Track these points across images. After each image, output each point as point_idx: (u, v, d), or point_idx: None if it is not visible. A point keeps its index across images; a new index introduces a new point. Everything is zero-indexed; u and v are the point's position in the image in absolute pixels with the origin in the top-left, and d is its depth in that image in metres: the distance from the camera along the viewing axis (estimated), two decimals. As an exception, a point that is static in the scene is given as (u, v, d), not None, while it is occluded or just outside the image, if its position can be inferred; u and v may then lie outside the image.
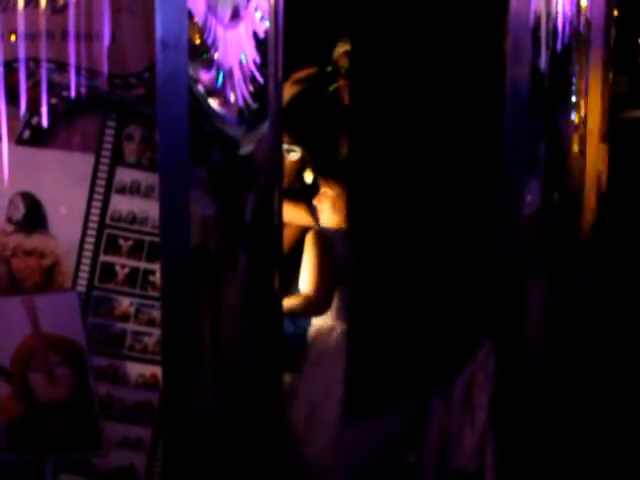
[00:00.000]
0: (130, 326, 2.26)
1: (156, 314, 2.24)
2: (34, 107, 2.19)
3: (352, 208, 3.07)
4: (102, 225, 2.24)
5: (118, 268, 2.26)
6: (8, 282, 2.24)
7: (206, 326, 2.33)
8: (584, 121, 3.72)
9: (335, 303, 3.38)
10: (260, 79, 2.41)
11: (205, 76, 2.25)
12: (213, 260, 2.36)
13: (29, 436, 2.28)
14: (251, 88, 2.38)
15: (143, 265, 2.25)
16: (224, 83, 2.29)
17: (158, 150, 2.09)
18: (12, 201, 2.23)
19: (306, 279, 3.38)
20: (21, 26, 2.16)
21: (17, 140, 2.22)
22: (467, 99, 2.91)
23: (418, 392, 2.89)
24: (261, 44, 2.40)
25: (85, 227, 2.24)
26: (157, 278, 2.23)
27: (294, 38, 2.62)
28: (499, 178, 2.63)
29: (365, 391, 2.93)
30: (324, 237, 3.40)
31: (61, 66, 2.18)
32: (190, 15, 2.10)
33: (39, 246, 2.24)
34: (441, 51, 2.86)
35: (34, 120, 2.21)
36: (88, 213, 2.24)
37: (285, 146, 3.26)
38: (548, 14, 3.14)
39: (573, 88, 3.65)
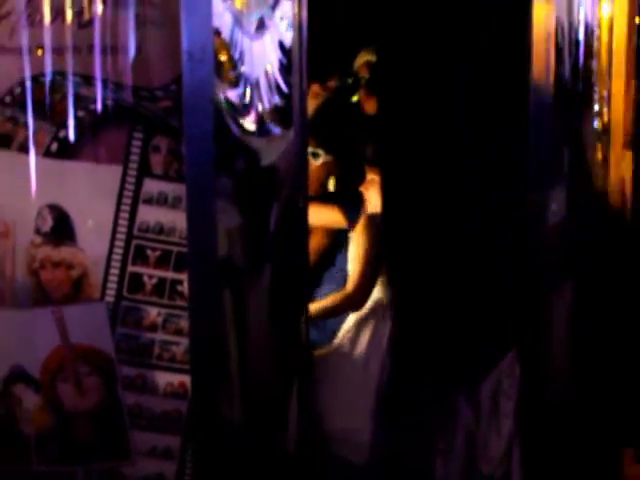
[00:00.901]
0: (158, 336, 2.27)
1: (184, 324, 2.25)
2: (61, 120, 2.21)
3: (385, 220, 3.09)
4: (130, 236, 2.26)
5: (146, 278, 2.27)
6: (37, 293, 2.25)
7: (232, 335, 2.34)
8: (607, 128, 3.71)
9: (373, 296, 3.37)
10: (285, 88, 2.42)
11: (232, 90, 2.26)
12: (238, 270, 2.37)
13: (59, 446, 2.29)
14: (276, 97, 2.39)
15: (171, 275, 2.26)
16: (252, 95, 2.31)
17: (185, 161, 2.11)
18: (40, 213, 2.24)
19: (351, 269, 3.35)
20: (48, 40, 2.18)
21: (45, 153, 2.23)
22: (491, 105, 2.92)
23: (445, 397, 2.90)
24: (286, 53, 2.42)
25: (113, 238, 2.25)
26: (185, 288, 2.24)
27: (315, 49, 2.64)
28: (525, 188, 2.64)
29: (400, 392, 2.94)
30: (374, 222, 3.37)
31: (87, 79, 2.20)
32: (217, 31, 2.12)
33: (67, 257, 2.25)
34: (464, 60, 2.87)
35: (61, 133, 2.23)
36: (116, 224, 2.25)
37: (310, 149, 3.27)
38: (570, 22, 3.14)
39: (595, 96, 3.64)
